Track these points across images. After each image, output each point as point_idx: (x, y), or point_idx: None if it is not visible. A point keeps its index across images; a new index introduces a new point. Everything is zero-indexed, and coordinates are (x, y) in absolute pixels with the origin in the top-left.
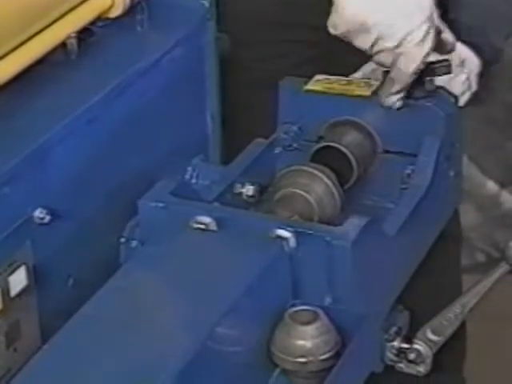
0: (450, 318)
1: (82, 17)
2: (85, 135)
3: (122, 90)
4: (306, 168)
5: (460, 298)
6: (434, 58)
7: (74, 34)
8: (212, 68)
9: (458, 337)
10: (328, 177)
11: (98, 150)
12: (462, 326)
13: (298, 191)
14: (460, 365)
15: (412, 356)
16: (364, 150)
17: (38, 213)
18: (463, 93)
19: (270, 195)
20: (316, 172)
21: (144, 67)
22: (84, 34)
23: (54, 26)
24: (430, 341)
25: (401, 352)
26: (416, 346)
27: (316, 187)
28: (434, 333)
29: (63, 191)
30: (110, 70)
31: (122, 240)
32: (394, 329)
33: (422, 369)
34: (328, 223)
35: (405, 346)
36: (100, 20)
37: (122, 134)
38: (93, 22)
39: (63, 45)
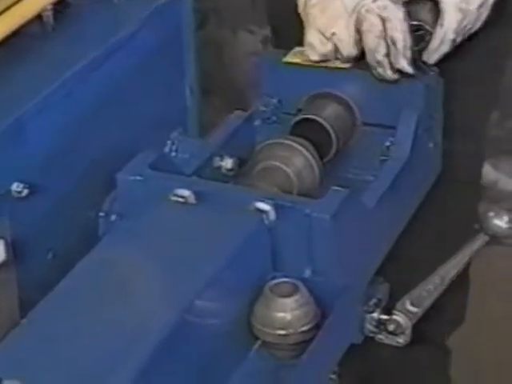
0: (429, 289)
1: None
2: (62, 108)
3: (99, 63)
4: (285, 141)
5: (439, 269)
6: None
7: (49, 6)
8: (190, 40)
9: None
10: (307, 149)
11: (75, 124)
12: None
13: (277, 164)
14: (443, 336)
15: (391, 327)
16: (343, 123)
17: (16, 187)
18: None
19: (249, 168)
20: (295, 145)
21: (121, 39)
22: (60, 5)
23: None
24: (409, 312)
25: (380, 323)
26: (395, 318)
27: (295, 160)
28: (413, 304)
29: (41, 165)
30: (86, 43)
31: (101, 214)
32: (374, 300)
33: (401, 340)
34: (307, 196)
35: (384, 317)
36: None
37: (100, 107)
38: None
39: (39, 17)
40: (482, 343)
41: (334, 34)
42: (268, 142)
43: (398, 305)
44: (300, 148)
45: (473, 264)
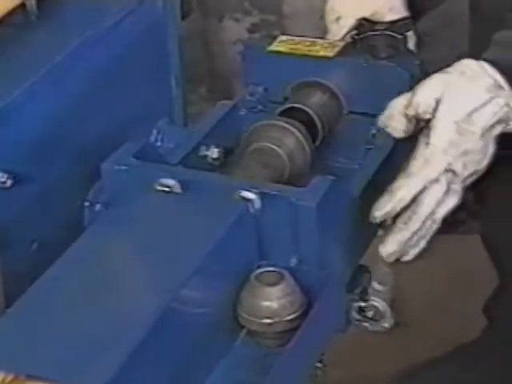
0: (388, 264)
1: None
2: (46, 98)
3: (83, 52)
4: (277, 122)
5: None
6: (394, 16)
7: None
8: (175, 29)
9: None
10: (299, 130)
11: (60, 113)
12: None
13: (269, 145)
14: None
15: (371, 314)
16: (329, 111)
17: (0, 177)
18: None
19: (240, 152)
20: (287, 126)
21: (105, 29)
22: None
23: None
24: (380, 292)
25: (361, 311)
26: (371, 303)
27: (287, 141)
28: (380, 283)
29: (25, 155)
30: (71, 31)
31: (86, 203)
32: (359, 289)
33: (386, 324)
34: (299, 176)
35: (362, 304)
36: None
37: (85, 97)
38: None
39: (22, 6)
40: None
41: None
42: (260, 123)
43: (369, 289)
44: (292, 129)
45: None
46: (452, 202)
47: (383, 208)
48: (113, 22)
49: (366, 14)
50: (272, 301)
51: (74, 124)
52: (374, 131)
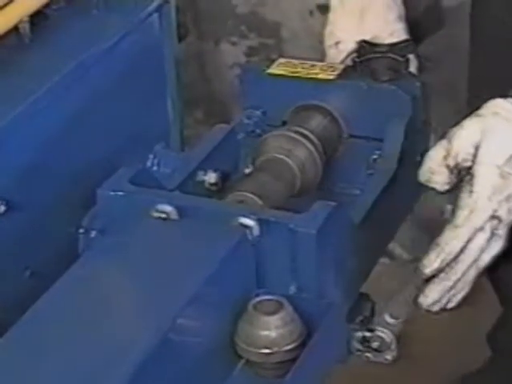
0: (405, 298)
1: (34, 0)
2: (40, 122)
3: (77, 75)
4: (287, 133)
5: (412, 276)
6: (396, 39)
7: (26, 18)
8: (171, 52)
9: None
10: (311, 142)
11: (54, 138)
12: None
13: (280, 156)
14: None
15: (376, 344)
16: (329, 135)
17: None
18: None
19: (250, 161)
20: (298, 137)
21: (100, 51)
22: (37, 17)
23: (5, 10)
24: (390, 325)
25: (365, 341)
26: (378, 333)
27: (298, 152)
28: (392, 316)
29: (19, 180)
30: (65, 55)
31: (81, 230)
32: (360, 318)
33: (389, 356)
34: (309, 189)
35: (367, 334)
36: (54, 3)
37: (79, 120)
38: (46, 5)
39: (15, 29)
40: None
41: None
42: (270, 134)
43: (379, 320)
44: (303, 140)
45: None
46: (496, 247)
47: (433, 264)
48: (109, 45)
49: (366, 38)
50: (270, 330)
51: (69, 148)
52: (375, 156)
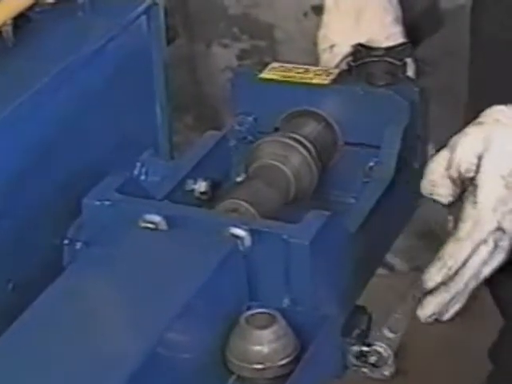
0: (404, 311)
1: (16, 2)
2: (24, 129)
3: (62, 80)
4: (282, 139)
5: (411, 289)
6: (392, 44)
7: (9, 21)
8: (160, 55)
9: None
10: (306, 148)
11: (38, 145)
12: None
13: (274, 163)
14: None
15: (373, 359)
16: (324, 142)
17: None
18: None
19: (243, 168)
20: (293, 143)
21: (86, 55)
22: (20, 20)
23: None
24: (389, 339)
25: (362, 355)
26: (375, 348)
27: (293, 159)
28: (391, 330)
29: (1, 189)
30: (49, 59)
31: (66, 241)
32: (357, 331)
33: (386, 372)
34: (304, 196)
35: (364, 349)
36: (37, 5)
37: (65, 127)
38: (30, 8)
39: None
40: None
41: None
42: (264, 139)
43: (377, 334)
44: (298, 146)
45: None
46: (498, 259)
47: (435, 278)
48: (95, 48)
49: (362, 41)
50: (263, 345)
51: (54, 156)
52: (371, 163)
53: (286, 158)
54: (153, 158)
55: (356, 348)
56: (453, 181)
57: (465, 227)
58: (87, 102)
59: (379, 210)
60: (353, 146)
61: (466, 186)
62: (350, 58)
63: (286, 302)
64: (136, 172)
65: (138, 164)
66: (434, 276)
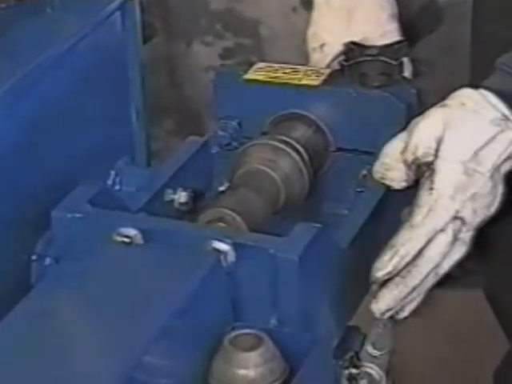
0: (383, 326)
1: None
2: None
3: (29, 82)
4: (271, 142)
5: None
6: (388, 40)
7: None
8: (136, 55)
9: None
10: (297, 152)
11: (3, 154)
12: None
13: (263, 168)
14: None
15: (364, 382)
16: (314, 148)
17: None
18: None
19: (230, 173)
20: (283, 146)
21: (56, 55)
22: None
23: None
24: (375, 357)
25: (352, 378)
26: (364, 369)
27: (282, 164)
28: (375, 347)
29: None
30: (15, 59)
31: (34, 257)
32: (350, 354)
33: None
34: (294, 204)
35: (354, 371)
36: (2, 1)
37: (31, 132)
38: None
39: None
40: None
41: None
42: (251, 143)
43: (362, 354)
44: (288, 150)
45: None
46: (459, 253)
47: (385, 267)
48: (65, 48)
49: (355, 39)
50: (249, 368)
51: (20, 165)
52: (364, 171)
53: (275, 162)
54: (128, 167)
55: (347, 371)
56: (407, 165)
57: (419, 214)
58: (56, 105)
59: (373, 222)
60: (345, 152)
61: (422, 172)
62: (342, 58)
63: (273, 321)
64: (110, 181)
65: (112, 173)
66: (384, 265)
